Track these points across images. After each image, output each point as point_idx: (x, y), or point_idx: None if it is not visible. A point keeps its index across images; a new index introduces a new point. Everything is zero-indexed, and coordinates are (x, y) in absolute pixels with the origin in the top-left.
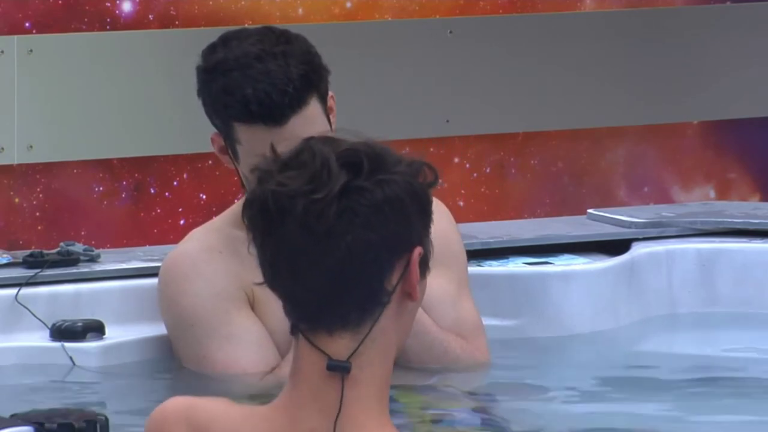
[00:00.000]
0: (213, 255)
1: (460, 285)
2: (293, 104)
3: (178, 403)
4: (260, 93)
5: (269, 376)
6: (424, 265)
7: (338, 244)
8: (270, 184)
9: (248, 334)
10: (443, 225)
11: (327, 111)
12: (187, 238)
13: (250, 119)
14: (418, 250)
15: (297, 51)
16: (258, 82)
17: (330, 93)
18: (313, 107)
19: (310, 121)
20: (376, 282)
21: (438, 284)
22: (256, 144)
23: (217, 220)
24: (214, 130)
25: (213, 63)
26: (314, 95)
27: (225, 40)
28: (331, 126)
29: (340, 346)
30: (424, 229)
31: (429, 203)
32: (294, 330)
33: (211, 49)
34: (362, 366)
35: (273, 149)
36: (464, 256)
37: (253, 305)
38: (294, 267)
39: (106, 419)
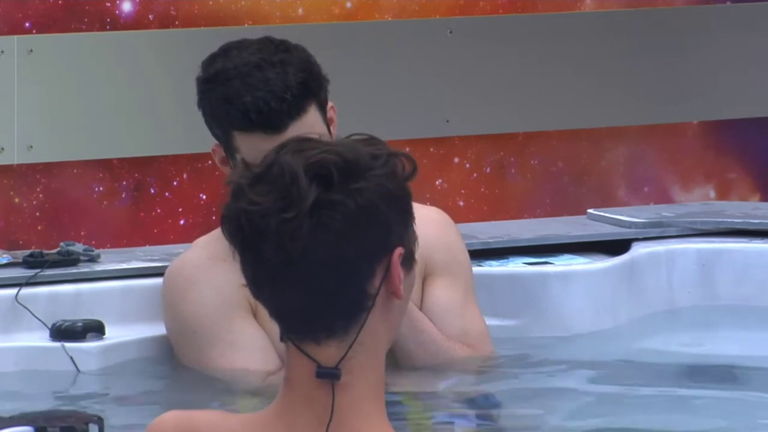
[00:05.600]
0: (217, 263)
1: (466, 294)
2: (291, 112)
3: (175, 416)
4: (259, 101)
5: (272, 377)
6: (409, 260)
7: (314, 261)
8: (242, 201)
9: (250, 341)
10: (449, 236)
11: (327, 120)
12: (192, 245)
13: (250, 127)
14: (398, 251)
15: (295, 60)
16: (257, 90)
17: (330, 104)
18: (312, 115)
19: (309, 129)
20: (357, 290)
21: (444, 294)
22: (255, 152)
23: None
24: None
25: (213, 73)
26: (313, 103)
27: (225, 50)
28: (331, 135)
29: (328, 353)
30: (404, 227)
31: (407, 199)
32: (283, 338)
33: (211, 59)
34: (353, 370)
35: (244, 162)
36: (469, 264)
37: (255, 313)
38: (273, 284)
39: (101, 420)
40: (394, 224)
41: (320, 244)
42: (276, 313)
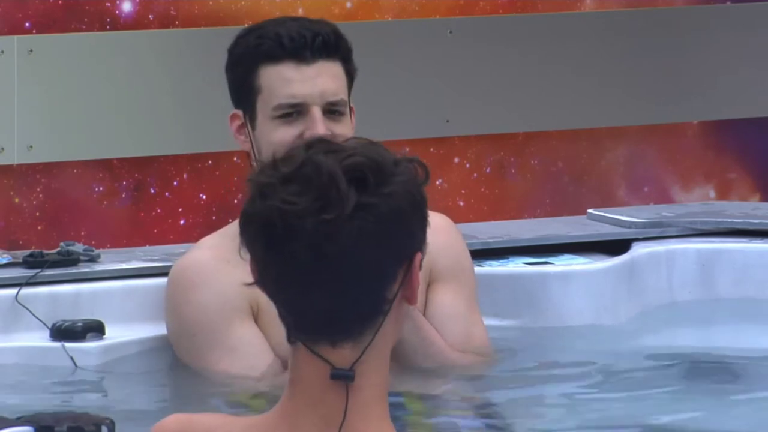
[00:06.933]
0: (221, 264)
1: (469, 301)
2: (322, 50)
3: (177, 420)
4: (293, 32)
5: (273, 379)
6: (420, 266)
7: (348, 263)
8: (273, 200)
9: (249, 347)
10: (454, 242)
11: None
12: (197, 244)
13: (280, 55)
14: (419, 256)
15: (332, 25)
16: (292, 25)
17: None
18: (340, 71)
19: (336, 79)
20: (378, 293)
21: (449, 301)
22: (280, 84)
23: (229, 228)
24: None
25: (247, 29)
26: (341, 63)
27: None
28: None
29: (342, 355)
30: (424, 233)
31: (426, 204)
32: (291, 339)
33: (244, 28)
34: (364, 373)
35: (274, 159)
36: (473, 271)
37: (257, 316)
38: (301, 285)
39: (113, 423)
40: (416, 229)
41: (356, 247)
42: (294, 314)
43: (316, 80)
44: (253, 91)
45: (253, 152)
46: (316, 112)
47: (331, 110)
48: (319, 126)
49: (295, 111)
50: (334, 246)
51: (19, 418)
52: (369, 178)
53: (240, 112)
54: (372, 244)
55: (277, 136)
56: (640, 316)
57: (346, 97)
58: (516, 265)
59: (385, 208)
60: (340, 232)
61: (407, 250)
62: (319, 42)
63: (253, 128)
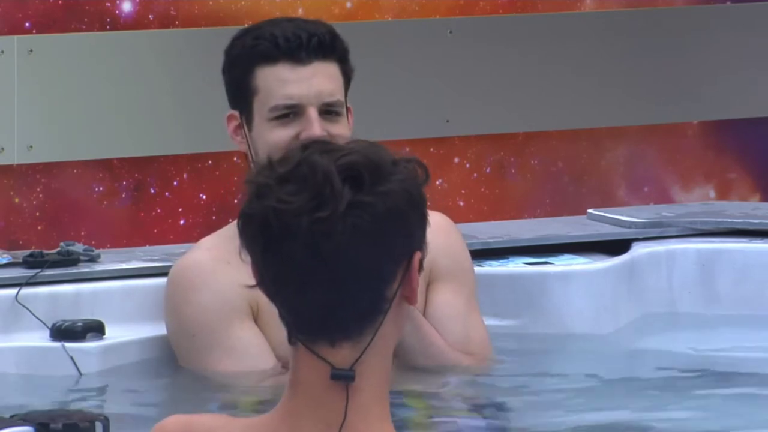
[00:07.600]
0: (221, 265)
1: (469, 300)
2: (318, 50)
3: (177, 421)
4: (288, 33)
5: (271, 379)
6: (421, 265)
7: (344, 261)
8: (270, 200)
9: (249, 348)
10: (454, 242)
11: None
12: (197, 245)
13: (276, 56)
14: (418, 255)
15: (328, 25)
16: (287, 27)
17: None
18: (336, 71)
19: (332, 80)
20: (378, 292)
21: (449, 300)
22: (276, 85)
23: (229, 228)
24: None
25: (243, 31)
26: (337, 63)
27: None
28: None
29: (342, 355)
30: (423, 232)
31: (425, 204)
32: (292, 339)
33: (240, 30)
34: (364, 373)
35: (271, 160)
36: (473, 270)
37: (256, 317)
38: (298, 284)
39: (107, 419)
40: (415, 228)
41: (351, 244)
42: (293, 313)
43: (312, 81)
44: (250, 92)
45: (250, 153)
46: (312, 112)
47: (328, 111)
48: (316, 127)
49: (291, 112)
50: (330, 244)
51: (12, 416)
52: (365, 176)
53: (237, 113)
54: (368, 242)
55: (273, 137)
56: (640, 316)
57: (342, 98)
58: (516, 265)
59: (381, 207)
60: (335, 230)
61: (405, 249)
62: (314, 42)
63: (250, 129)
